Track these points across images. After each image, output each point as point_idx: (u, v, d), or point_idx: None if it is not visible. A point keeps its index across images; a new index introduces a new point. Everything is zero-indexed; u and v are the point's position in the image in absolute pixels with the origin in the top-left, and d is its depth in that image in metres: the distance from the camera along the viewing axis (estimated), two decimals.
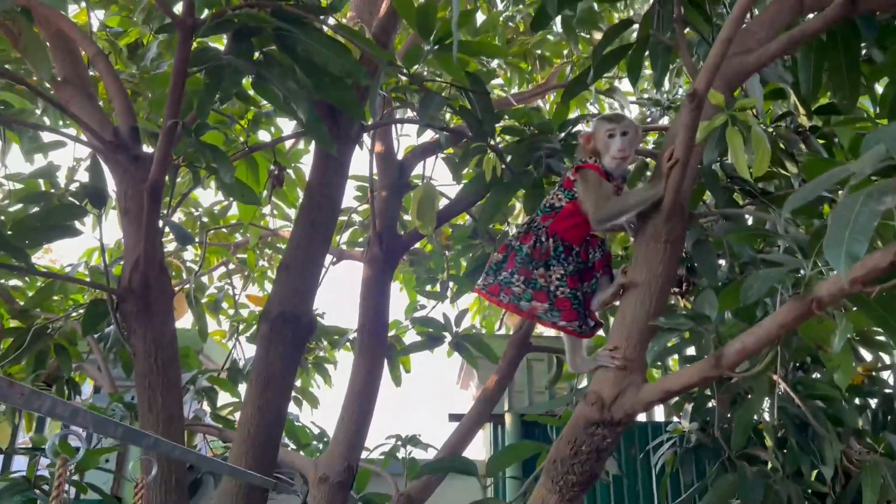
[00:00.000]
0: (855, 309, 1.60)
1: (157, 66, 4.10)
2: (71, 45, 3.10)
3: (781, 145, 2.92)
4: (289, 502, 4.73)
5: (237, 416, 4.98)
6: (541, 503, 1.85)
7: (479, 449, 5.35)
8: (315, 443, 4.27)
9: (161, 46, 4.05)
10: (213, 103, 2.36)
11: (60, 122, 4.14)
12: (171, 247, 5.38)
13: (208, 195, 10.37)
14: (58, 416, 1.17)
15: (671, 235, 1.83)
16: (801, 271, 1.58)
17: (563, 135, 3.06)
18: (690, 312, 1.78)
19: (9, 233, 2.50)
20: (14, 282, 4.35)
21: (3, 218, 3.78)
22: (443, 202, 3.62)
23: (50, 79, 2.86)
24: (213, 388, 4.15)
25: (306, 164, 4.87)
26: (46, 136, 3.75)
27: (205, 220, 5.19)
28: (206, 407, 4.67)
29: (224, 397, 4.82)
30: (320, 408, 5.12)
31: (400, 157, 4.13)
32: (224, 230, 5.32)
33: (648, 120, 4.50)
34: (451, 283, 4.79)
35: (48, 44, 3.01)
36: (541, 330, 5.55)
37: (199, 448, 4.80)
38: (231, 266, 5.55)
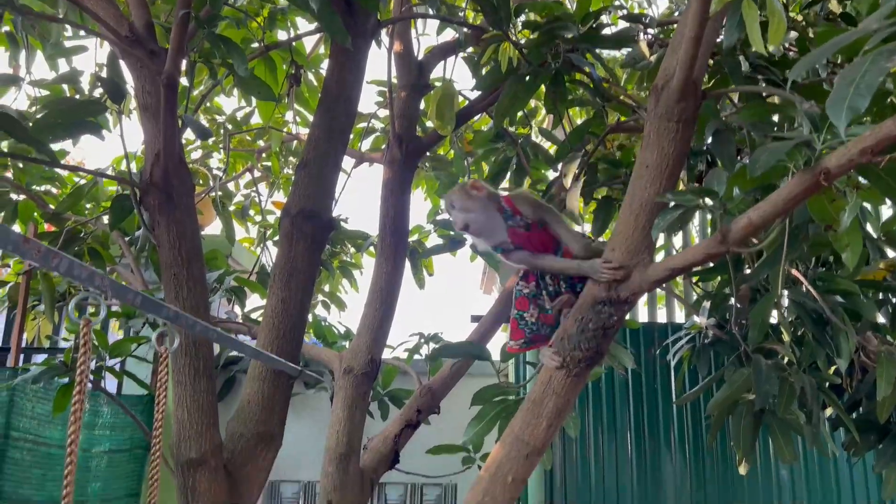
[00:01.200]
0: (866, 183, 1.58)
1: None
2: None
3: (811, 33, 2.81)
4: (318, 399, 4.95)
5: None
6: (548, 379, 1.91)
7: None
8: (341, 341, 4.41)
9: None
10: None
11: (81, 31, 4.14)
12: (196, 154, 5.45)
13: (231, 103, 10.34)
14: (75, 276, 1.23)
15: (683, 114, 1.81)
16: (813, 147, 1.56)
17: (584, 28, 2.98)
18: (697, 188, 1.78)
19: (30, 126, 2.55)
20: (46, 187, 4.46)
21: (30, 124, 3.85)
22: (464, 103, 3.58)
23: None
24: (242, 288, 4.27)
25: (325, 67, 4.83)
26: (68, 44, 3.78)
27: (228, 126, 5.21)
28: (237, 310, 4.83)
29: (254, 301, 4.98)
30: (348, 311, 5.25)
31: (420, 57, 4.06)
32: (247, 137, 5.35)
33: (676, 14, 4.34)
34: None
35: None
36: None
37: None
38: (257, 174, 5.60)
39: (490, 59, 3.03)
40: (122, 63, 2.96)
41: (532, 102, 4.55)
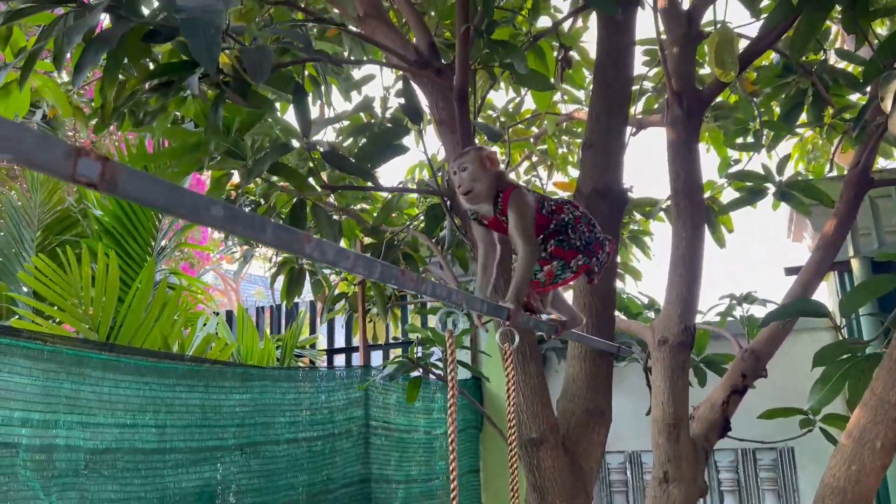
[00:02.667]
0: None
1: None
2: None
3: None
4: (628, 369, 4.98)
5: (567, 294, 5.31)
6: None
7: (823, 301, 5.00)
8: (646, 311, 4.37)
9: None
10: (495, 1, 2.46)
11: (365, 57, 4.62)
12: None
13: (499, 96, 10.75)
14: (437, 296, 1.40)
15: None
16: None
17: None
18: None
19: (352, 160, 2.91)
20: (361, 205, 5.05)
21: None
22: (741, 44, 3.34)
23: (355, 17, 3.19)
24: None
25: (586, 41, 4.81)
26: (357, 75, 4.24)
27: (502, 119, 5.44)
28: None
29: None
30: (644, 280, 5.19)
31: (685, 6, 3.86)
32: (521, 125, 5.53)
33: None
34: (765, 131, 4.43)
35: None
36: (883, 163, 4.91)
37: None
38: (534, 158, 5.77)
39: None
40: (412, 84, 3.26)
41: None
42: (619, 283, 5.28)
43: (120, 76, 2.32)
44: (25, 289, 4.66)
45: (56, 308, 3.98)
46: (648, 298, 4.46)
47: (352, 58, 4.66)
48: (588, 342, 2.78)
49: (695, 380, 4.24)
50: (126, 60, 2.04)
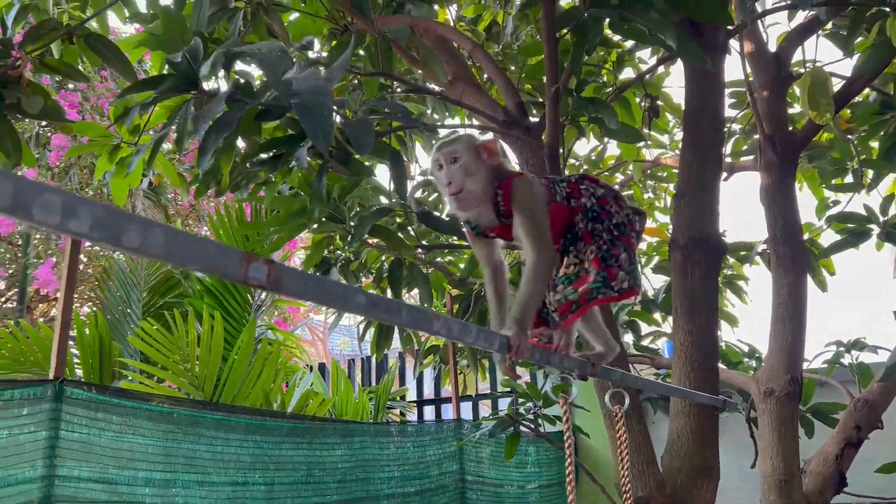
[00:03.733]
0: None
1: (517, 39, 4.43)
2: (450, 46, 3.53)
3: None
4: (729, 420, 4.79)
5: (658, 342, 5.19)
6: None
7: None
8: (747, 360, 4.22)
9: (515, 20, 4.36)
10: (583, 59, 2.50)
11: (447, 114, 4.75)
12: None
13: (581, 143, 10.78)
14: (545, 362, 1.41)
15: None
16: None
17: None
18: None
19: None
20: (447, 258, 5.13)
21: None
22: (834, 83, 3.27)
23: (445, 78, 3.30)
24: (634, 320, 4.37)
25: (670, 87, 4.80)
26: (442, 131, 4.36)
27: (585, 167, 5.45)
28: (627, 339, 4.95)
29: (643, 327, 5.04)
30: (742, 325, 5.03)
31: (773, 48, 3.82)
32: (606, 173, 5.52)
33: None
34: (863, 169, 4.28)
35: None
36: None
37: None
38: None
39: (875, 34, 2.73)
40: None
41: None
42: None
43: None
44: (133, 350, 4.92)
45: (162, 368, 4.18)
46: (748, 346, 4.31)
47: (435, 116, 4.81)
48: (689, 397, 2.72)
49: (801, 430, 4.05)
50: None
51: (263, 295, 5.76)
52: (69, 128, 3.39)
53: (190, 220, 8.67)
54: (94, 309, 5.82)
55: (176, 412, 2.49)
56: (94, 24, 3.31)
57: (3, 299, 9.63)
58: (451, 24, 4.70)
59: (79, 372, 4.81)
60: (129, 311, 5.79)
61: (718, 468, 2.86)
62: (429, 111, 4.75)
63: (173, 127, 2.21)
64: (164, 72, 2.27)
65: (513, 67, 4.68)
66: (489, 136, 1.84)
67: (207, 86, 2.19)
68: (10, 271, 8.06)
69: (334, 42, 3.73)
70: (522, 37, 4.45)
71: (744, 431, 3.70)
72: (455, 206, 1.73)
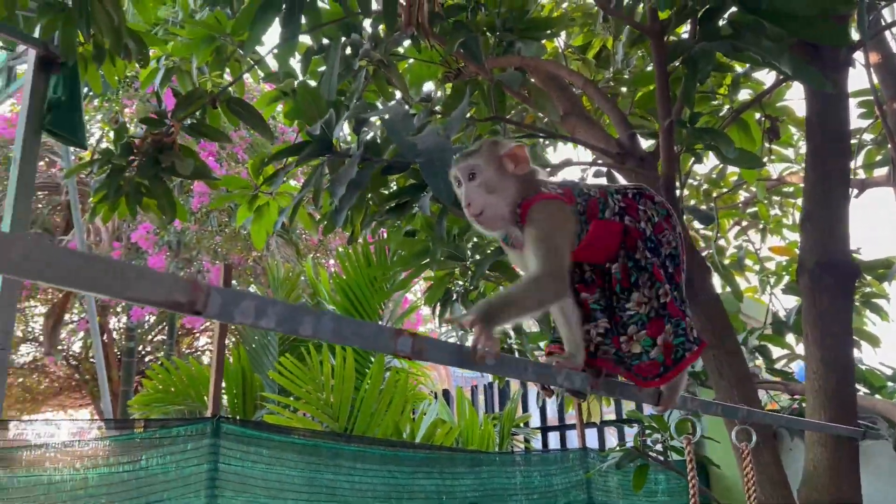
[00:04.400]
0: None
1: (628, 65, 4.44)
2: (560, 81, 3.62)
3: None
4: (873, 449, 4.51)
5: (792, 366, 4.97)
6: None
7: None
8: (892, 384, 3.99)
9: (625, 46, 4.37)
10: (695, 91, 2.52)
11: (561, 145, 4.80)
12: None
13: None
14: (687, 408, 1.45)
15: None
16: None
17: None
18: None
19: None
20: None
21: None
22: None
23: (557, 116, 3.38)
24: (764, 344, 4.24)
25: (789, 99, 4.64)
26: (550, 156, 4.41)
27: (705, 186, 5.34)
28: (758, 363, 4.78)
29: (774, 350, 4.85)
30: (886, 344, 4.74)
31: None
32: (724, 189, 5.38)
33: None
34: None
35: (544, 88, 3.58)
36: None
37: (763, 402, 4.92)
38: (744, 223, 5.57)
39: None
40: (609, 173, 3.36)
41: None
42: (855, 353, 4.87)
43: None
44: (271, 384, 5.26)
45: (296, 398, 4.46)
46: (893, 370, 4.07)
47: (548, 149, 4.89)
48: (823, 429, 2.62)
49: None
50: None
51: (391, 326, 6.01)
52: (216, 183, 3.73)
53: (318, 254, 9.15)
54: (237, 342, 6.26)
55: (317, 444, 2.68)
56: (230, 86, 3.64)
57: (154, 332, 10.49)
58: (560, 50, 4.77)
59: (224, 402, 5.21)
60: (266, 341, 6.19)
61: (860, 501, 2.73)
62: (541, 141, 4.83)
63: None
64: (295, 127, 2.50)
65: (624, 90, 4.68)
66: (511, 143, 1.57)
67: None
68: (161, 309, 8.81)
69: (448, 85, 3.91)
70: (634, 61, 4.45)
71: (892, 461, 3.50)
72: (478, 227, 1.54)
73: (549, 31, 3.85)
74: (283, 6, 3.09)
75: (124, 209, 3.31)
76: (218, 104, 3.26)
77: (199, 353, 10.90)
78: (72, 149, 6.32)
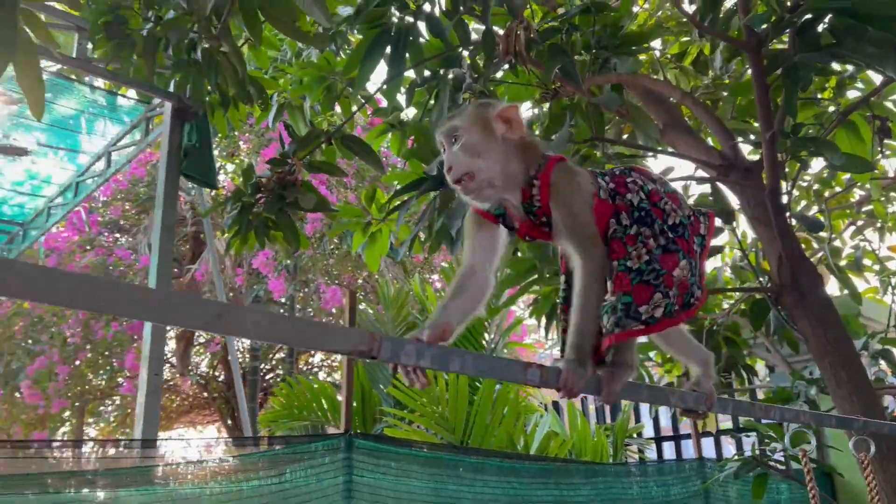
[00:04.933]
0: None
1: (727, 70, 4.41)
2: (658, 95, 3.66)
3: None
4: None
5: None
6: None
7: None
8: None
9: (724, 52, 4.34)
10: (796, 102, 2.53)
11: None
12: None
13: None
14: (800, 421, 1.52)
15: None
16: None
17: None
18: None
19: None
20: None
21: None
22: None
23: (656, 132, 3.43)
24: (888, 348, 4.09)
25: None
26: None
27: (816, 186, 5.19)
28: (884, 367, 4.59)
29: None
30: None
31: None
32: (839, 191, 5.21)
33: None
34: None
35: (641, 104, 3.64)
36: None
37: (891, 409, 4.71)
38: (859, 222, 5.36)
39: None
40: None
41: None
42: None
43: None
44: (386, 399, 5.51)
45: (410, 411, 4.67)
46: None
47: (650, 158, 4.90)
48: None
49: None
50: None
51: (497, 338, 6.15)
52: (335, 215, 4.00)
53: (424, 271, 9.43)
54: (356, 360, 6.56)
55: (440, 456, 2.85)
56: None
57: (274, 351, 11.07)
58: (656, 58, 4.78)
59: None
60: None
61: None
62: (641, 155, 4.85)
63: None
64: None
65: (725, 94, 4.64)
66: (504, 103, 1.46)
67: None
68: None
69: (545, 105, 4.03)
70: (733, 66, 4.42)
71: None
72: (465, 197, 1.40)
73: (644, 45, 3.91)
74: (389, 46, 3.32)
75: (254, 241, 3.62)
76: (333, 141, 3.52)
77: (315, 369, 11.42)
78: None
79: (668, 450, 6.85)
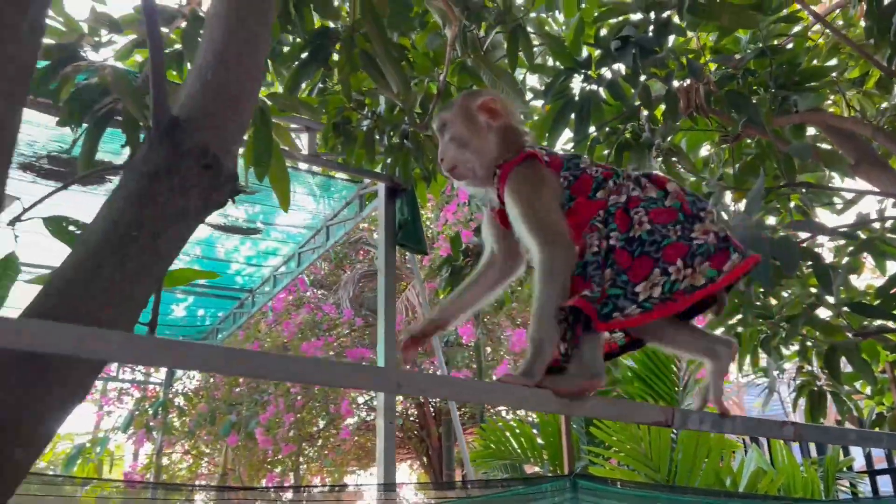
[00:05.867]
0: None
1: None
2: (845, 130, 3.68)
3: None
4: None
5: None
6: None
7: None
8: None
9: None
10: None
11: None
12: None
13: None
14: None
15: None
16: None
17: None
18: None
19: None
20: None
21: None
22: None
23: (848, 171, 3.47)
24: None
25: None
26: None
27: None
28: None
29: None
30: None
31: None
32: None
33: None
34: None
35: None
36: None
37: None
38: None
39: None
40: None
41: None
42: None
43: None
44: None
45: (618, 452, 4.84)
46: None
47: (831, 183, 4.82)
48: None
49: None
50: None
51: (688, 375, 6.18)
52: None
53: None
54: None
55: (657, 496, 3.06)
56: None
57: None
58: (836, 85, 4.73)
59: (545, 455, 5.76)
60: None
61: None
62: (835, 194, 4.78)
63: None
64: None
65: None
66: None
67: None
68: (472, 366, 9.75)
69: (725, 147, 4.16)
70: None
71: None
72: (457, 184, 1.52)
73: (825, 79, 3.94)
74: (573, 113, 3.67)
75: None
76: None
77: (500, 409, 11.75)
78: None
79: (884, 483, 6.47)
